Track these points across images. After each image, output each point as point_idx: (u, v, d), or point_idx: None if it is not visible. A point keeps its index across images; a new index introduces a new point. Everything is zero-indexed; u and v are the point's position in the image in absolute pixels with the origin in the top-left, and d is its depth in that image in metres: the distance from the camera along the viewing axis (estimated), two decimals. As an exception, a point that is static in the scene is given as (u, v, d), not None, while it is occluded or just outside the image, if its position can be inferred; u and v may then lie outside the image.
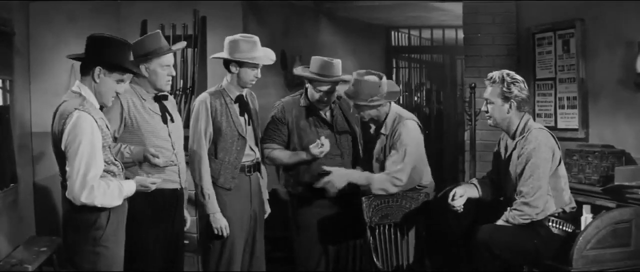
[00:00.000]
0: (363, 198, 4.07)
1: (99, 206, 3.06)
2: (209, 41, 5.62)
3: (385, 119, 4.15)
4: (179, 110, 4.49)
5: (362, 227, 4.10)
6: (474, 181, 4.08)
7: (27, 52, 5.71)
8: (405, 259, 4.12)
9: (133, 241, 3.46)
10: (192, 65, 5.59)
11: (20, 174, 5.41)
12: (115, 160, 3.24)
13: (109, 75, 3.17)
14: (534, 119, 4.08)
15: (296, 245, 4.38)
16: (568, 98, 5.08)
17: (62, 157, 3.09)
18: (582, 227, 3.84)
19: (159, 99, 3.76)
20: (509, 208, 3.75)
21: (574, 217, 3.87)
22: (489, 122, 3.89)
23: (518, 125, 3.81)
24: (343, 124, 4.33)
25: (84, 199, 3.03)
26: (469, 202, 3.92)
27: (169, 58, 3.71)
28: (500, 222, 3.75)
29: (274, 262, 4.65)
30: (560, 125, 5.12)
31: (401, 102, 9.49)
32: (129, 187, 3.20)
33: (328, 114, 4.31)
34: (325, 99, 4.20)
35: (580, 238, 3.70)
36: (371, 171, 4.16)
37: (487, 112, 3.85)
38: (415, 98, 9.71)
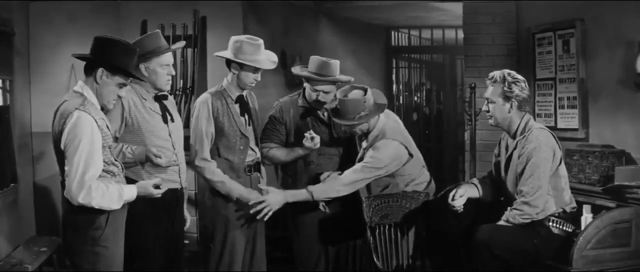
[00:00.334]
0: (363, 198, 4.07)
1: (97, 207, 3.06)
2: (209, 41, 5.62)
3: (370, 133, 4.11)
4: (179, 111, 4.50)
5: (362, 227, 4.10)
6: (474, 180, 4.08)
7: (27, 52, 5.71)
8: (405, 259, 4.12)
9: (133, 241, 3.46)
10: (192, 65, 5.59)
11: (20, 174, 5.41)
12: (116, 160, 3.24)
13: (111, 78, 3.17)
14: (534, 119, 4.08)
15: (295, 245, 4.39)
16: (568, 98, 5.08)
17: (62, 157, 3.10)
18: (582, 227, 3.84)
19: (159, 98, 3.76)
20: (509, 208, 3.75)
21: (574, 217, 3.87)
22: (490, 121, 3.88)
23: (519, 125, 3.81)
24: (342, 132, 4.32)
25: (81, 199, 3.03)
26: (469, 202, 3.92)
27: (168, 57, 3.71)
28: (500, 222, 3.75)
29: (274, 262, 4.65)
30: (560, 125, 5.12)
31: (401, 102, 9.51)
32: (130, 192, 3.20)
33: (326, 114, 4.31)
34: (323, 99, 4.20)
35: (580, 238, 3.70)
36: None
37: (488, 111, 3.85)
38: (415, 98, 9.71)
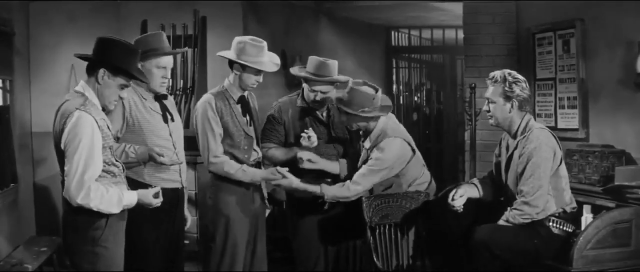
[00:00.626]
0: (363, 198, 4.07)
1: (95, 209, 3.05)
2: (209, 41, 5.62)
3: (370, 133, 4.11)
4: (179, 111, 4.50)
5: (362, 228, 4.10)
6: (475, 180, 4.07)
7: (27, 52, 5.71)
8: (405, 259, 4.12)
9: (133, 241, 3.46)
10: (192, 65, 5.59)
11: (20, 174, 5.41)
12: (116, 161, 3.24)
13: (113, 79, 3.17)
14: (534, 119, 4.08)
15: (294, 245, 4.39)
16: (568, 98, 5.08)
17: (62, 156, 3.10)
18: (582, 227, 3.84)
19: (159, 98, 3.76)
20: (509, 208, 3.75)
21: (574, 217, 3.87)
22: (491, 121, 3.88)
23: (519, 125, 3.81)
24: (340, 124, 4.32)
25: (80, 200, 3.03)
26: (469, 202, 3.92)
27: (166, 60, 3.69)
28: (500, 222, 3.75)
29: (275, 262, 4.66)
30: (561, 125, 5.12)
31: (401, 102, 9.50)
32: (130, 198, 3.19)
33: (325, 114, 4.31)
34: (320, 99, 4.20)
35: (581, 238, 3.70)
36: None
37: (488, 111, 3.85)
38: (415, 98, 9.71)
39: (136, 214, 3.38)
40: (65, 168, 3.06)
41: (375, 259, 4.06)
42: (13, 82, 5.41)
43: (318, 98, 4.19)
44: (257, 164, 4.17)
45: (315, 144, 4.10)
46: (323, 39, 7.70)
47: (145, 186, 3.63)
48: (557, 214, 3.77)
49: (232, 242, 4.06)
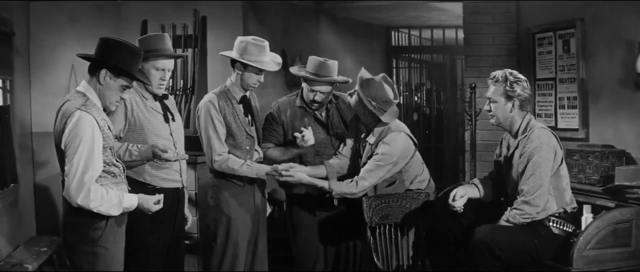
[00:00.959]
0: (363, 198, 4.08)
1: (94, 211, 3.05)
2: (209, 41, 5.62)
3: (373, 128, 4.12)
4: (179, 110, 4.50)
5: (362, 228, 4.10)
6: (475, 181, 4.08)
7: (27, 52, 5.71)
8: (405, 259, 4.12)
9: (134, 241, 3.47)
10: (192, 65, 5.59)
11: (20, 174, 5.41)
12: (117, 161, 3.24)
13: (115, 80, 3.17)
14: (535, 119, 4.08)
15: (294, 245, 4.39)
16: (568, 98, 5.08)
17: (63, 156, 3.10)
18: (583, 227, 3.84)
19: (160, 98, 3.77)
20: (509, 208, 3.75)
21: (574, 217, 3.87)
22: (492, 121, 3.88)
23: (520, 125, 3.81)
24: (339, 124, 4.33)
25: (80, 201, 3.03)
26: (470, 202, 3.92)
27: (165, 62, 3.69)
28: (501, 222, 3.75)
29: (275, 262, 4.65)
30: (561, 125, 5.12)
31: (401, 102, 9.50)
32: (131, 201, 3.19)
33: (324, 114, 4.31)
34: (320, 99, 4.20)
35: (581, 238, 3.70)
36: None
37: (489, 111, 3.86)
38: (415, 98, 9.71)
39: (137, 214, 3.38)
40: (66, 168, 3.06)
41: (375, 259, 4.06)
42: (13, 82, 5.41)
43: (317, 98, 4.19)
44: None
45: (311, 143, 4.09)
46: (323, 39, 7.69)
47: (146, 185, 3.65)
48: (557, 214, 3.77)
49: (234, 242, 4.07)
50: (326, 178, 4.13)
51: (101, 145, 3.09)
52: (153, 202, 3.26)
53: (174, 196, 3.77)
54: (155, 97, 3.75)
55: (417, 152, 4.21)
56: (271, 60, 4.02)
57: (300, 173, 4.05)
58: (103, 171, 3.11)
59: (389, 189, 4.17)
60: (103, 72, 3.14)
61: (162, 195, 3.34)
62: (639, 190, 4.11)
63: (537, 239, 3.71)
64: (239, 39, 4.00)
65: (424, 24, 8.95)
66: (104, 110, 3.22)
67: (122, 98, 3.25)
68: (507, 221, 3.72)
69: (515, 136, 3.84)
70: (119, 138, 3.61)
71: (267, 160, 4.29)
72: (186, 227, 3.99)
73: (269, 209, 4.38)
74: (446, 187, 4.18)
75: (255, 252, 4.18)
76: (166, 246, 3.76)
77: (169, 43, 3.76)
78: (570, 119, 5.06)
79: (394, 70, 9.45)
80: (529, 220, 3.70)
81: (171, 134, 3.76)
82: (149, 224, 3.61)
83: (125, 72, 3.16)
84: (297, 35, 7.09)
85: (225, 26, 5.87)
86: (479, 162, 5.54)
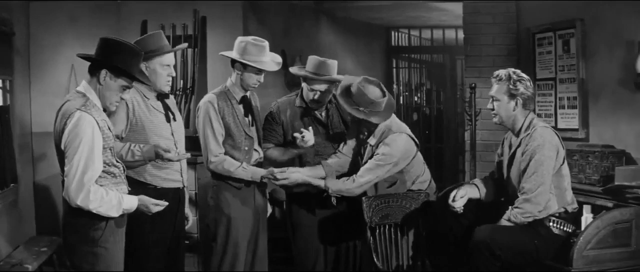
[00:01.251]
0: (363, 198, 4.08)
1: (94, 211, 3.05)
2: (209, 41, 5.62)
3: (374, 129, 4.11)
4: (179, 110, 4.50)
5: (362, 228, 4.10)
6: (476, 181, 4.08)
7: (27, 52, 5.71)
8: (405, 259, 4.12)
9: (135, 241, 3.47)
10: (192, 65, 5.59)
11: (20, 174, 5.41)
12: (117, 161, 3.24)
13: (115, 80, 3.16)
14: (535, 119, 4.08)
15: (294, 245, 4.39)
16: (568, 98, 5.08)
17: (63, 157, 3.10)
18: (583, 227, 3.84)
19: (162, 97, 3.77)
20: (511, 207, 3.75)
21: (574, 217, 3.87)
22: (495, 120, 3.89)
23: (523, 123, 3.82)
24: (339, 124, 4.33)
25: (80, 201, 3.03)
26: (470, 202, 3.92)
27: (169, 58, 3.71)
28: (502, 221, 3.75)
29: (275, 262, 4.65)
30: (561, 125, 5.12)
31: (401, 102, 9.50)
32: (130, 203, 3.19)
33: (323, 114, 4.31)
34: (320, 99, 4.20)
35: (581, 238, 3.70)
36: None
37: (492, 109, 3.86)
38: (415, 98, 9.71)
39: (138, 214, 3.38)
40: (65, 169, 3.06)
41: (375, 259, 4.06)
42: (13, 82, 5.41)
43: (317, 97, 4.19)
44: (259, 165, 4.17)
45: (311, 144, 4.09)
46: (323, 39, 7.69)
47: (147, 185, 3.65)
48: (557, 214, 3.77)
49: (234, 242, 4.07)
50: (324, 178, 4.13)
51: (101, 145, 3.09)
52: (152, 204, 3.26)
53: (174, 196, 3.77)
54: (158, 96, 3.76)
55: (419, 153, 4.21)
56: (271, 60, 4.02)
57: (295, 174, 4.06)
58: (103, 171, 3.11)
59: (390, 190, 4.17)
60: (103, 72, 3.14)
61: (166, 203, 3.34)
62: (638, 190, 4.11)
63: (537, 239, 3.71)
64: (239, 39, 4.01)
65: (424, 24, 8.95)
66: (104, 110, 3.22)
67: (122, 98, 3.25)
68: (509, 220, 3.72)
69: (517, 135, 3.84)
70: (120, 138, 3.61)
71: (267, 160, 4.29)
72: (187, 227, 3.99)
73: (269, 210, 4.38)
74: (446, 187, 4.18)
75: (255, 252, 4.18)
76: (167, 245, 3.77)
77: (166, 39, 3.78)
78: (570, 119, 5.06)
79: (394, 70, 9.45)
80: (530, 219, 3.70)
81: (172, 134, 3.77)
82: (150, 224, 3.61)
83: (126, 73, 3.16)
84: (297, 35, 7.09)
85: (225, 26, 5.87)
86: (479, 162, 5.54)
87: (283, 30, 6.89)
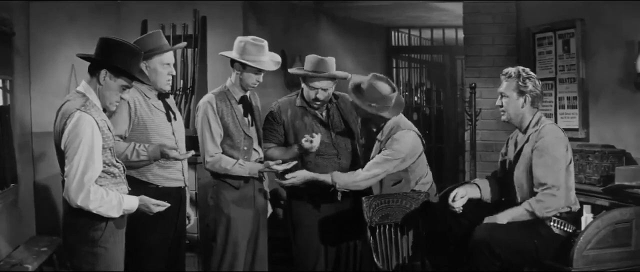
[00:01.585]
0: (363, 198, 4.08)
1: (94, 212, 3.05)
2: (209, 41, 5.62)
3: (383, 126, 4.18)
4: (179, 110, 4.51)
5: (362, 228, 4.10)
6: (477, 181, 4.08)
7: (27, 52, 5.71)
8: (406, 259, 4.12)
9: (137, 239, 3.47)
10: (192, 65, 5.59)
11: (20, 174, 5.41)
12: (117, 162, 3.24)
13: (115, 80, 3.16)
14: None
15: (294, 245, 4.39)
16: (568, 98, 5.08)
17: (63, 157, 3.10)
18: (582, 227, 3.84)
19: (162, 96, 3.78)
20: (527, 201, 3.73)
21: (574, 217, 3.87)
22: (503, 117, 3.90)
23: (531, 121, 3.84)
24: (340, 124, 4.33)
25: (80, 201, 3.03)
26: (470, 202, 3.92)
27: (169, 57, 3.72)
28: (521, 210, 3.72)
29: (275, 262, 4.65)
30: (561, 125, 5.10)
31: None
32: (131, 203, 3.18)
33: (324, 113, 4.31)
34: (322, 97, 4.20)
35: (581, 238, 3.70)
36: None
37: (501, 106, 3.87)
38: (416, 98, 9.71)
39: (139, 214, 3.38)
40: (65, 169, 3.06)
41: (375, 259, 4.06)
42: (13, 82, 5.41)
43: (319, 96, 4.19)
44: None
45: (316, 148, 4.11)
46: (323, 39, 7.69)
47: (149, 185, 3.66)
48: (558, 214, 3.77)
49: (233, 242, 4.07)
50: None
51: (101, 145, 3.09)
52: (153, 204, 3.26)
53: (176, 195, 3.78)
54: (159, 95, 3.76)
55: (423, 154, 4.23)
56: (270, 60, 4.03)
57: (303, 172, 4.08)
58: (103, 171, 3.11)
59: (394, 188, 4.18)
60: (103, 72, 3.14)
61: (167, 204, 3.34)
62: (638, 190, 4.11)
63: (537, 238, 3.71)
64: (238, 39, 4.02)
65: (424, 24, 8.95)
66: (104, 110, 3.22)
67: (122, 98, 3.25)
68: (529, 210, 3.70)
69: (524, 132, 3.85)
70: (123, 138, 3.62)
71: (268, 160, 4.29)
72: (188, 226, 4.00)
73: (270, 210, 4.37)
74: (446, 187, 4.18)
75: (256, 252, 4.19)
76: (169, 245, 3.77)
77: (165, 38, 3.79)
78: (570, 119, 5.06)
79: (394, 70, 9.45)
80: (552, 213, 3.71)
81: (173, 133, 3.78)
82: (151, 223, 3.61)
83: (125, 72, 3.16)
84: (297, 35, 7.09)
85: (225, 26, 5.87)
86: (479, 162, 5.54)
87: (283, 30, 6.90)
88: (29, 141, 5.70)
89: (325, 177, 4.10)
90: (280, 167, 4.00)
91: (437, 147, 9.25)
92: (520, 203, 3.79)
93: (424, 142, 4.22)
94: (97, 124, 3.08)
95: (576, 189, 4.20)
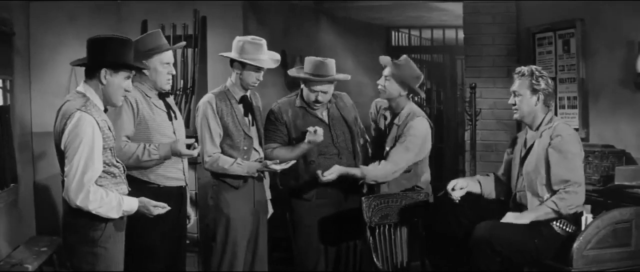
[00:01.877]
0: (362, 198, 4.08)
1: (93, 212, 3.05)
2: (209, 41, 5.62)
3: (400, 111, 4.32)
4: (179, 110, 4.51)
5: (362, 227, 4.10)
6: (478, 177, 4.10)
7: (27, 52, 5.71)
8: (405, 259, 4.12)
9: (138, 240, 3.48)
10: (192, 65, 5.59)
11: (20, 174, 5.41)
12: (117, 162, 3.24)
13: (116, 75, 3.17)
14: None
15: (294, 246, 4.39)
16: (568, 98, 5.08)
17: (63, 157, 3.10)
18: (583, 227, 3.84)
19: (163, 96, 3.79)
20: (550, 200, 3.72)
21: (575, 217, 3.87)
22: (516, 115, 3.91)
23: (543, 119, 3.86)
24: (340, 123, 4.33)
25: (79, 202, 3.03)
26: (471, 202, 3.92)
27: (169, 56, 3.73)
28: (545, 207, 3.72)
29: (275, 262, 4.66)
30: (561, 125, 5.12)
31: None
32: (130, 204, 3.18)
33: (325, 113, 4.31)
34: (322, 99, 4.20)
35: (580, 238, 3.69)
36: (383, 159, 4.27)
37: (514, 104, 3.89)
38: (416, 98, 9.69)
39: (139, 215, 3.39)
40: (65, 169, 3.06)
41: (375, 259, 4.06)
42: (13, 82, 5.41)
43: (319, 98, 4.20)
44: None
45: (322, 137, 4.11)
46: (323, 39, 7.69)
47: (150, 184, 3.66)
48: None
49: (233, 242, 4.07)
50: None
51: (101, 146, 3.09)
52: (153, 206, 3.26)
53: (177, 195, 3.78)
54: (159, 95, 3.77)
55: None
56: (269, 58, 4.04)
57: (336, 167, 4.13)
58: (103, 171, 3.11)
59: (405, 177, 4.27)
60: (103, 71, 3.14)
61: (167, 206, 3.34)
62: (638, 190, 4.11)
63: (538, 238, 3.71)
64: (237, 38, 4.03)
65: (424, 24, 8.95)
66: (105, 110, 3.22)
67: (126, 90, 3.24)
68: (553, 208, 3.70)
69: (536, 129, 3.86)
70: (130, 138, 3.63)
71: (273, 159, 4.28)
72: (189, 225, 4.00)
73: (270, 210, 4.37)
74: (445, 187, 4.18)
75: (256, 252, 4.19)
76: (169, 244, 3.77)
77: (164, 37, 3.80)
78: (570, 119, 5.06)
79: (394, 70, 9.43)
80: (574, 210, 3.72)
81: (174, 132, 3.79)
82: (152, 222, 3.60)
83: (125, 65, 3.16)
84: (297, 35, 7.09)
85: (225, 26, 5.87)
86: (479, 162, 5.54)
87: (283, 30, 6.89)
88: (29, 140, 5.70)
89: (356, 171, 4.16)
90: (279, 167, 4.00)
91: (437, 147, 9.24)
92: (517, 199, 3.80)
93: (433, 126, 4.38)
94: (98, 124, 3.08)
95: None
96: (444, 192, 4.11)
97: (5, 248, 5.05)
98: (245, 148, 4.08)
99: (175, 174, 3.78)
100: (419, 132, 4.22)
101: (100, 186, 3.10)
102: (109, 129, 3.19)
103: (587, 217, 3.97)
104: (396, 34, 9.40)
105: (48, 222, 5.63)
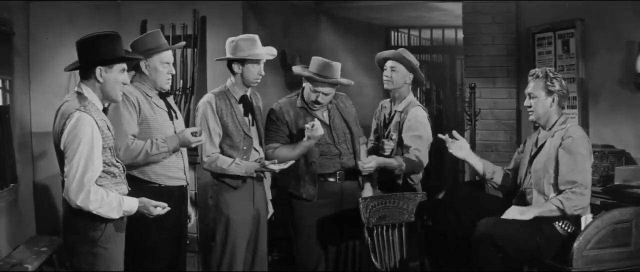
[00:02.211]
0: (360, 199, 4.08)
1: (94, 212, 3.05)
2: (209, 41, 5.63)
3: (402, 100, 4.50)
4: (179, 109, 4.52)
5: (361, 227, 4.10)
6: (482, 160, 4.17)
7: (27, 52, 5.71)
8: (404, 260, 4.12)
9: (138, 240, 3.48)
10: (192, 65, 5.59)
11: (20, 174, 5.41)
12: (117, 161, 3.24)
13: (111, 71, 3.17)
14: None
15: (295, 246, 4.39)
16: (568, 98, 5.07)
17: (62, 157, 3.10)
18: (582, 227, 3.84)
19: (163, 96, 3.79)
20: (557, 198, 3.74)
21: (576, 218, 3.87)
22: (531, 117, 3.92)
23: (557, 120, 3.87)
24: (340, 124, 4.33)
25: (79, 202, 3.03)
26: (471, 201, 3.92)
27: (168, 55, 3.74)
28: (550, 206, 3.73)
29: (275, 262, 4.66)
30: (560, 125, 5.12)
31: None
32: (131, 204, 3.18)
33: (325, 114, 4.31)
34: (323, 100, 4.20)
35: (580, 238, 3.70)
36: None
37: (529, 106, 3.90)
38: (415, 98, 9.69)
39: (139, 215, 3.39)
40: (65, 169, 3.06)
41: (373, 259, 4.06)
42: (13, 82, 5.41)
43: (320, 99, 4.19)
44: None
45: (321, 133, 4.10)
46: (323, 39, 7.69)
47: (151, 184, 3.67)
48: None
49: (232, 242, 4.07)
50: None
51: (100, 145, 3.09)
52: (153, 206, 3.26)
53: (178, 194, 3.79)
54: (159, 94, 3.77)
55: None
56: (265, 51, 4.05)
57: (374, 157, 4.26)
58: (103, 171, 3.11)
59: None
60: (98, 70, 3.14)
61: (168, 207, 3.34)
62: (638, 190, 4.11)
63: (540, 237, 3.72)
64: (229, 39, 4.05)
65: (424, 24, 8.95)
66: (104, 110, 3.22)
67: (123, 83, 3.23)
68: (559, 206, 3.71)
69: (549, 129, 3.87)
70: (135, 137, 3.64)
71: (276, 159, 4.28)
72: (189, 224, 4.01)
73: (271, 211, 4.37)
74: (445, 187, 4.19)
75: (255, 252, 4.19)
76: (169, 244, 3.77)
77: (163, 37, 3.81)
78: (570, 119, 5.05)
79: (394, 70, 9.43)
80: (579, 211, 3.73)
81: (175, 132, 3.79)
82: (152, 222, 3.60)
83: (118, 59, 3.17)
84: (297, 35, 7.09)
85: (225, 26, 5.87)
86: (479, 162, 5.53)
87: (283, 30, 6.89)
88: (29, 140, 5.70)
89: (392, 162, 4.28)
90: (277, 167, 4.00)
91: (438, 147, 9.23)
92: (518, 196, 3.81)
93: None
94: (97, 123, 3.09)
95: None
96: (444, 193, 4.12)
97: (5, 248, 5.05)
98: (245, 148, 4.08)
99: (176, 173, 3.78)
100: (422, 118, 4.43)
101: (100, 185, 3.10)
102: (108, 128, 3.20)
103: (586, 217, 3.98)
104: (396, 34, 9.40)
105: (48, 222, 5.63)
